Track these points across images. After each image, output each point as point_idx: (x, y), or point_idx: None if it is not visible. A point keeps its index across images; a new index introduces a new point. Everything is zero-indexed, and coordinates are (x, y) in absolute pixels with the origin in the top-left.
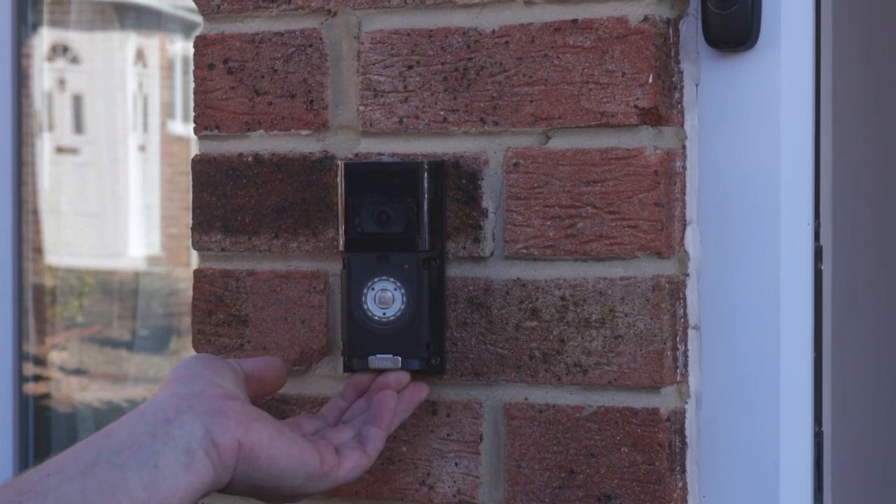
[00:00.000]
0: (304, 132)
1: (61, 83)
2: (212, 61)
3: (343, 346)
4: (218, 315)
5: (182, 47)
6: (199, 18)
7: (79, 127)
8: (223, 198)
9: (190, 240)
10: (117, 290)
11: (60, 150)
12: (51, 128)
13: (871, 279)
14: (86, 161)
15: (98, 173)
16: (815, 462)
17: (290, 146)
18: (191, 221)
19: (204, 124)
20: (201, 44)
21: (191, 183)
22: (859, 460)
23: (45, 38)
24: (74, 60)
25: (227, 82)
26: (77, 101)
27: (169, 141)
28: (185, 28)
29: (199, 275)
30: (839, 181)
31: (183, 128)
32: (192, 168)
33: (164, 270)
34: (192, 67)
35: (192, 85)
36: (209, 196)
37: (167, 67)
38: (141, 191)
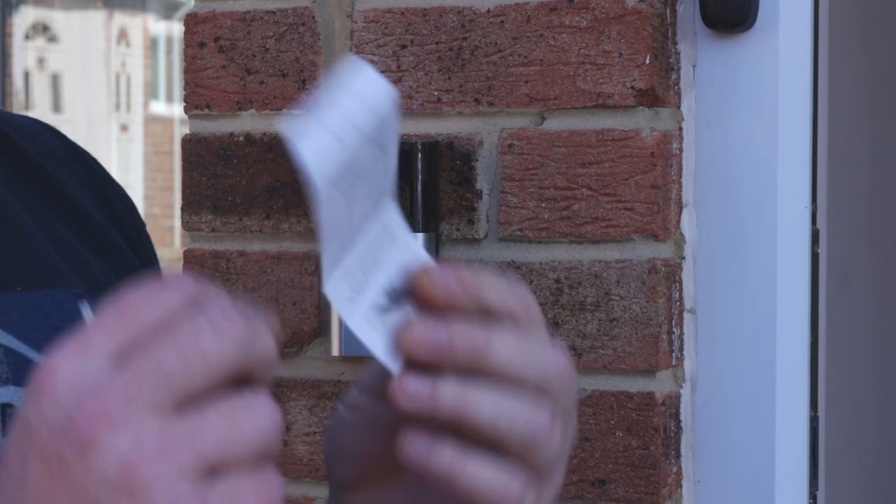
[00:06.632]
0: (296, 112)
1: (40, 62)
2: (203, 40)
3: (335, 328)
4: None
5: (165, 27)
6: None
7: (57, 106)
8: (214, 178)
9: (173, 219)
10: None
11: None
12: (29, 107)
13: (863, 265)
14: None
15: None
16: (811, 447)
17: (281, 126)
18: (180, 201)
19: (194, 103)
20: (192, 22)
21: (180, 163)
22: (850, 445)
23: (25, 17)
24: (53, 40)
25: (217, 61)
26: (55, 81)
27: (151, 121)
28: (167, 8)
29: (189, 255)
30: (833, 165)
31: (165, 108)
32: (182, 148)
33: None
34: (174, 47)
35: (176, 64)
36: (199, 176)
37: (149, 47)
38: (122, 170)
